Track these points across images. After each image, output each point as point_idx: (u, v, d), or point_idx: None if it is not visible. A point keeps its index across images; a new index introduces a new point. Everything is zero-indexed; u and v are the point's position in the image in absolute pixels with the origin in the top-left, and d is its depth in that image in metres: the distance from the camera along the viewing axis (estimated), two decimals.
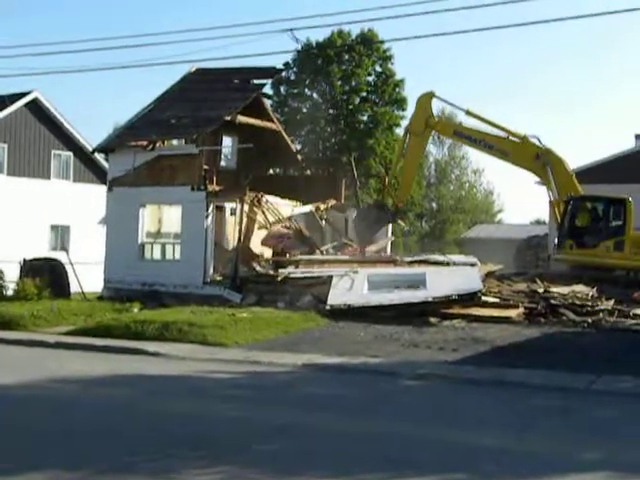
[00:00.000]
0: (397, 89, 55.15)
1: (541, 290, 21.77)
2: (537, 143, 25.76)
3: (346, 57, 54.28)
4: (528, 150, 25.74)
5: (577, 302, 20.54)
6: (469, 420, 9.90)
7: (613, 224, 25.13)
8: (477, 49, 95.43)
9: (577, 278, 23.37)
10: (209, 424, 9.50)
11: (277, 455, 8.06)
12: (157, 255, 26.19)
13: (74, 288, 25.88)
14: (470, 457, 8.09)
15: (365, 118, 55.36)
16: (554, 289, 22.00)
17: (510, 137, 25.94)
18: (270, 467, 7.55)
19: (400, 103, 55.43)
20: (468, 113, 26.15)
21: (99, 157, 35.77)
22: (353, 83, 54.24)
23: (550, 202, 26.13)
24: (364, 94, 55.17)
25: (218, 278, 24.33)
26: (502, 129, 26.06)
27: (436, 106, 26.79)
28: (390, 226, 28.87)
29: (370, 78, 55.54)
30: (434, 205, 73.68)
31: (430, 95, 26.70)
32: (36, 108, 36.31)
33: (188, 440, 8.48)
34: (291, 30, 19.42)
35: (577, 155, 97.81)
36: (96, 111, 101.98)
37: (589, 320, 18.93)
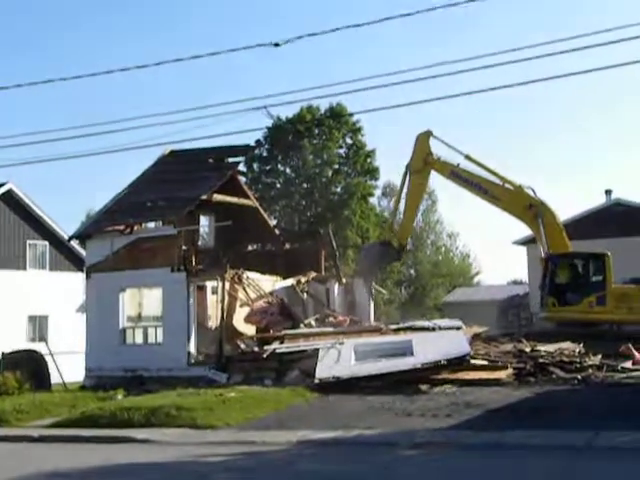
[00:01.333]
0: (368, 159, 55.96)
1: (528, 349, 21.73)
2: (532, 194, 26.16)
3: (316, 131, 55.11)
4: (521, 199, 26.09)
5: (565, 359, 20.53)
6: None
7: (594, 279, 25.32)
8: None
9: (563, 335, 23.36)
10: None
11: None
12: (139, 339, 25.88)
13: (55, 379, 25.42)
14: None
15: (339, 190, 55.98)
16: (541, 347, 21.97)
17: (505, 185, 26.34)
18: None
19: (372, 173, 56.22)
20: (467, 158, 26.50)
21: (75, 244, 35.61)
22: (325, 156, 54.97)
23: (541, 258, 26.14)
24: (336, 166, 55.89)
25: (203, 359, 24.05)
26: (498, 176, 26.46)
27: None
28: (373, 294, 29.01)
29: (341, 150, 56.37)
30: (412, 272, 73.83)
31: (428, 134, 27.11)
32: (10, 199, 36.32)
33: None
34: (265, 107, 19.62)
35: None
36: (69, 198, 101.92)
37: (578, 376, 18.91)
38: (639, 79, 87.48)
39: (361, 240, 52.35)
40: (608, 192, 40.67)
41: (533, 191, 26.19)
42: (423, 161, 26.89)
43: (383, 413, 16.01)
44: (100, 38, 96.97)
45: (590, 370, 19.47)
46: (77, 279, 32.73)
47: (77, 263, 35.74)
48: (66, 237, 32.92)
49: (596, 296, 24.70)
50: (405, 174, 27.55)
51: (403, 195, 28.15)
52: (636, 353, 20.58)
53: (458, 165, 26.67)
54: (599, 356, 20.90)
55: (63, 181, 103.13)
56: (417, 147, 27.17)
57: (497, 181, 26.43)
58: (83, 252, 30.55)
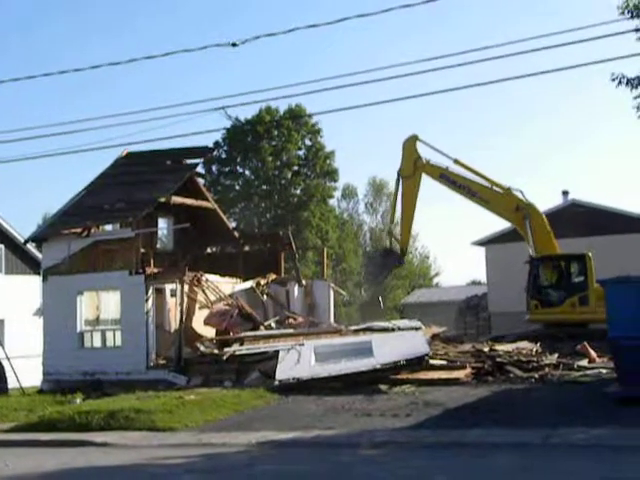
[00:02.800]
0: (328, 161, 56.10)
1: (486, 349, 21.97)
2: (520, 196, 26.66)
3: (275, 133, 55.09)
4: (509, 201, 26.71)
5: (522, 358, 20.78)
6: None
7: (576, 280, 25.86)
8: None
9: (550, 337, 23.75)
10: None
11: None
12: (97, 343, 25.61)
13: (12, 383, 25.09)
14: None
15: (298, 192, 56.03)
16: (499, 347, 22.26)
17: (494, 187, 26.90)
18: None
19: (332, 175, 56.38)
20: (456, 162, 27.09)
21: (31, 247, 35.10)
22: (284, 158, 54.99)
23: (526, 261, 26.58)
24: (296, 168, 55.93)
25: (162, 362, 23.90)
26: (487, 179, 27.03)
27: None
28: (332, 295, 29.19)
29: (300, 152, 56.42)
30: None
31: (414, 138, 27.68)
32: None
33: None
34: (223, 108, 19.57)
35: None
36: (25, 201, 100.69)
37: (536, 375, 19.15)
38: (589, 82, 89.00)
39: (321, 241, 52.47)
40: (565, 193, 41.31)
41: (522, 193, 26.79)
42: (413, 166, 27.38)
43: (343, 413, 16.06)
44: (57, 38, 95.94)
45: (547, 369, 19.73)
46: (34, 282, 32.23)
47: (33, 266, 35.19)
48: (22, 240, 32.44)
49: (579, 296, 25.21)
50: (397, 180, 28.14)
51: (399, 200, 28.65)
52: (592, 352, 20.91)
53: (447, 168, 27.23)
54: (556, 355, 21.22)
55: (19, 183, 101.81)
56: (405, 153, 27.74)
57: (486, 183, 26.98)
58: (39, 255, 30.14)
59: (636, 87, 18.28)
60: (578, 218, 36.87)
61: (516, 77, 18.89)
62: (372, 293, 28.15)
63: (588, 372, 19.19)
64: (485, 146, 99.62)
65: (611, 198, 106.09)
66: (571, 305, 25.25)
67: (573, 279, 26.20)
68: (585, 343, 21.44)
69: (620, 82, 18.37)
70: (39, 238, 27.94)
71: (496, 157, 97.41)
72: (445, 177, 27.48)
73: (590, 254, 25.62)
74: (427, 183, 27.84)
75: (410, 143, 27.71)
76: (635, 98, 18.44)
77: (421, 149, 27.69)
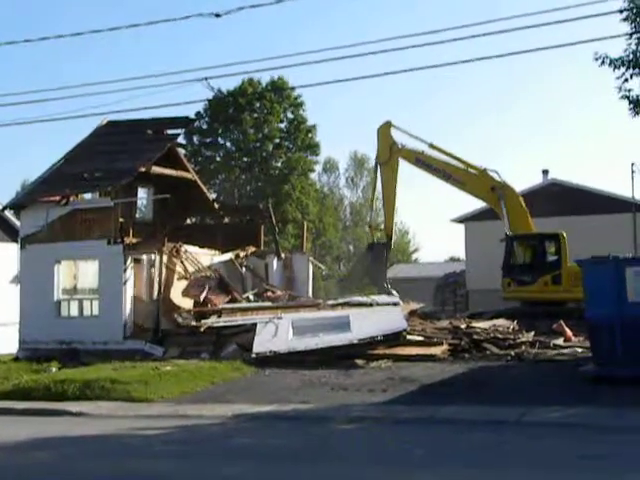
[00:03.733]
0: (310, 134, 55.86)
1: (463, 326, 22.09)
2: (495, 177, 26.83)
3: (257, 105, 54.69)
4: (484, 182, 26.99)
5: (499, 336, 20.92)
6: (410, 460, 9.83)
7: (549, 259, 26.02)
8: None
9: (528, 314, 23.97)
10: None
11: None
12: (74, 312, 25.38)
13: None
14: None
15: (279, 164, 55.81)
16: (476, 324, 22.38)
17: (469, 169, 27.21)
18: None
19: (313, 149, 56.15)
20: (432, 146, 27.44)
21: (9, 214, 34.79)
22: (266, 130, 54.65)
23: (501, 240, 26.79)
24: (277, 141, 55.64)
25: (139, 332, 23.80)
26: (462, 161, 27.34)
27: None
28: (311, 269, 29.21)
29: (282, 125, 56.11)
30: (351, 248, 74.25)
31: (388, 125, 27.97)
32: None
33: None
34: (206, 79, 19.28)
35: None
36: (3, 167, 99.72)
37: (512, 353, 19.28)
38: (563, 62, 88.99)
39: (301, 215, 52.40)
40: (545, 172, 41.46)
41: (497, 174, 26.97)
42: (389, 151, 27.70)
43: (319, 387, 16.12)
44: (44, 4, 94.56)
45: (523, 347, 19.88)
46: (11, 250, 31.98)
47: (11, 234, 34.88)
48: (0, 207, 32.14)
49: (551, 275, 25.37)
50: (375, 168, 28.38)
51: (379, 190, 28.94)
52: (568, 330, 21.07)
53: (422, 152, 27.48)
54: (532, 333, 21.37)
55: None
56: (380, 139, 28.11)
57: (461, 166, 27.21)
58: (18, 223, 29.88)
59: (619, 67, 18.26)
60: (556, 197, 37.03)
61: (501, 55, 18.77)
62: (379, 287, 28.37)
63: (564, 351, 19.37)
64: (469, 124, 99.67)
65: (597, 179, 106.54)
66: (543, 284, 25.42)
67: (546, 258, 26.34)
68: (561, 322, 21.59)
69: (603, 62, 18.34)
70: (17, 205, 27.67)
71: (481, 135, 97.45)
72: (421, 161, 27.83)
73: (564, 233, 25.75)
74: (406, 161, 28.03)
75: (384, 129, 28.01)
76: (618, 78, 18.42)
77: (396, 135, 28.00)
